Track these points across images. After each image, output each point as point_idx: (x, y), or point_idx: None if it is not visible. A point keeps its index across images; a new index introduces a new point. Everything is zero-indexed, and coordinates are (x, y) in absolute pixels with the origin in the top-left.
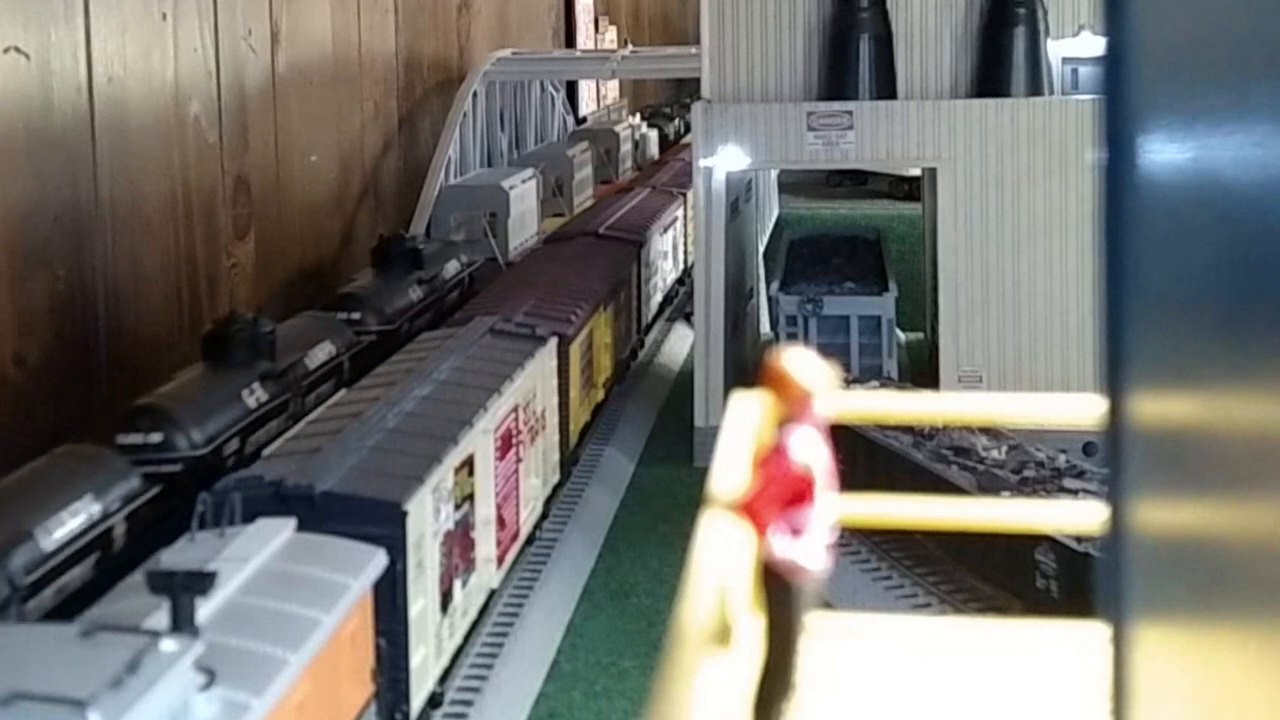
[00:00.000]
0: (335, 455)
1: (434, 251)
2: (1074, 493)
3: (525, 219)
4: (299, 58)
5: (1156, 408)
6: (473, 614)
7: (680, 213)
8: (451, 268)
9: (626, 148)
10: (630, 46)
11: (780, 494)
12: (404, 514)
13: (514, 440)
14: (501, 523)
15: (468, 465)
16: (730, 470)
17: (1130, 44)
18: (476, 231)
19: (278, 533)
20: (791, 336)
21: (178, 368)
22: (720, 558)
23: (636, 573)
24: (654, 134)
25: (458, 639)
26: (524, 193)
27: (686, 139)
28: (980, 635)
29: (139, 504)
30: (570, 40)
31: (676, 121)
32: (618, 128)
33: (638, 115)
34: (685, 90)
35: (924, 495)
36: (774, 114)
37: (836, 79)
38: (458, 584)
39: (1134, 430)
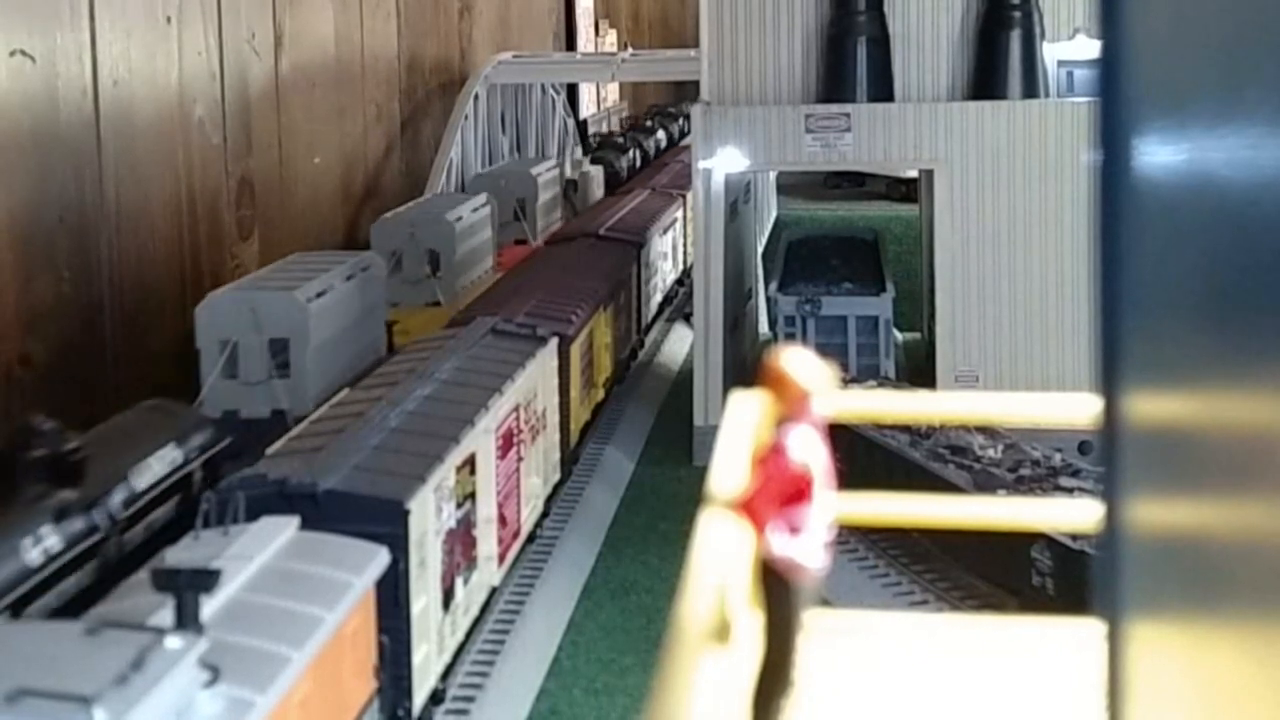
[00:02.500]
0: (338, 454)
1: (116, 445)
2: (1069, 491)
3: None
4: (302, 60)
5: (1151, 407)
6: (474, 611)
7: (680, 214)
8: (151, 471)
9: (548, 196)
10: (630, 49)
11: (779, 492)
12: (406, 512)
13: (515, 439)
14: (503, 521)
15: (469, 464)
16: (729, 469)
17: (1125, 47)
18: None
19: (281, 531)
20: (790, 336)
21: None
22: (719, 555)
23: (636, 570)
24: (597, 171)
25: (459, 636)
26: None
27: (659, 158)
28: (977, 632)
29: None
30: (571, 43)
31: (659, 135)
32: (537, 169)
33: (615, 122)
34: (684, 93)
35: (921, 494)
36: (772, 116)
37: (834, 81)
38: (459, 582)
39: (1128, 429)
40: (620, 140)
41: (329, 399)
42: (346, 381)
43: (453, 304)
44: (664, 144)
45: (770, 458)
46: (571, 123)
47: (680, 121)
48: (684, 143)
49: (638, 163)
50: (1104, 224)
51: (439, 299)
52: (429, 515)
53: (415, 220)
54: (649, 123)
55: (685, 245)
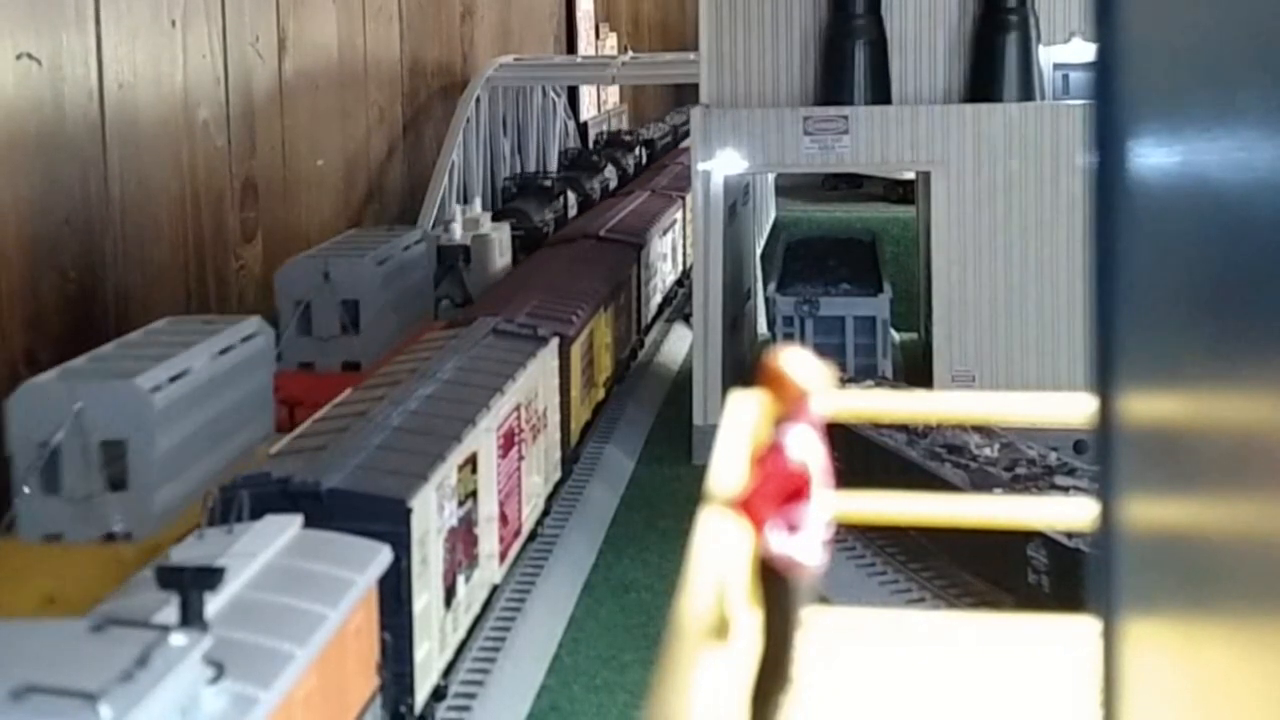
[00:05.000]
0: (341, 453)
1: None
2: (1065, 490)
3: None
4: (305, 63)
5: (1146, 406)
6: (476, 609)
7: (679, 215)
8: None
9: (399, 289)
10: (630, 52)
11: (777, 491)
12: (408, 511)
13: (516, 438)
14: (504, 519)
15: (471, 463)
16: (728, 468)
17: (1120, 50)
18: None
19: (284, 529)
20: (788, 337)
21: None
22: (719, 553)
23: (636, 568)
24: (501, 232)
25: (461, 633)
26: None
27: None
28: (973, 629)
29: None
30: (571, 46)
31: (606, 173)
32: (382, 251)
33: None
34: (683, 96)
35: (918, 492)
36: (771, 119)
37: (832, 84)
38: (461, 579)
39: (1124, 428)
40: (548, 184)
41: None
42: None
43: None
44: (613, 184)
45: (769, 456)
46: (572, 125)
47: (638, 150)
48: (635, 182)
49: (573, 210)
50: (1099, 225)
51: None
52: (431, 513)
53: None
54: (595, 157)
55: (685, 246)
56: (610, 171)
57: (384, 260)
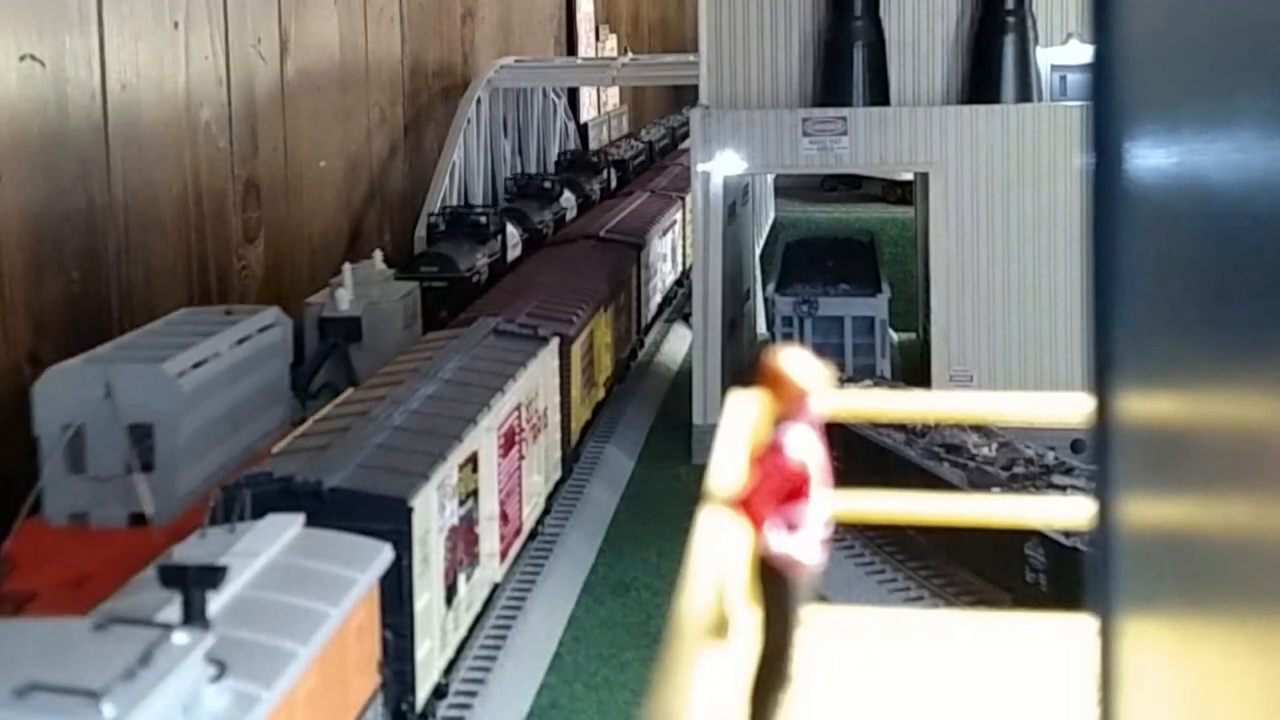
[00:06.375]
0: (343, 452)
1: None
2: (1062, 489)
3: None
4: (307, 65)
5: (1143, 406)
6: (476, 607)
7: (679, 216)
8: None
9: (213, 413)
10: (630, 54)
11: (776, 490)
12: (410, 510)
13: (517, 438)
14: (505, 518)
15: (472, 462)
16: (728, 467)
17: (1117, 52)
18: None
19: (286, 528)
20: (787, 337)
21: None
22: (718, 552)
23: (636, 567)
24: (401, 300)
25: (462, 632)
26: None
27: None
28: (971, 628)
29: None
30: (571, 48)
31: (542, 218)
32: (197, 351)
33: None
34: (683, 97)
35: (916, 491)
36: (770, 120)
37: (831, 86)
38: (462, 578)
39: (1121, 428)
40: (483, 220)
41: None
42: None
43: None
44: (549, 228)
45: (768, 456)
46: (573, 126)
47: (606, 172)
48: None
49: (505, 253)
50: (1096, 226)
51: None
52: (432, 512)
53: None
54: (549, 184)
55: (684, 247)
56: (546, 218)
57: (201, 363)
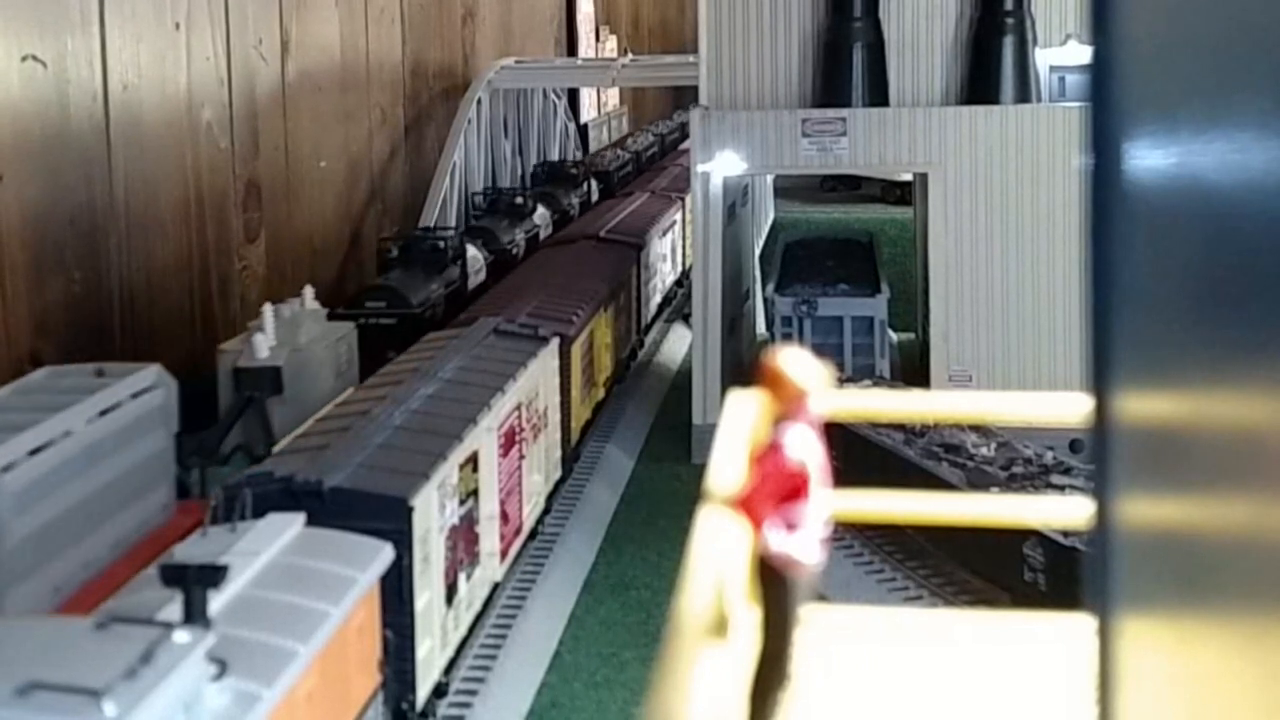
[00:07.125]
0: (343, 452)
1: None
2: (1061, 488)
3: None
4: (308, 66)
5: (1141, 406)
6: (477, 606)
7: (679, 216)
8: None
9: (23, 533)
10: (630, 55)
11: (776, 490)
12: (410, 509)
13: (517, 437)
14: (505, 518)
15: (472, 462)
16: (727, 466)
17: (1116, 53)
18: None
19: (287, 527)
20: (787, 337)
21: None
22: (718, 552)
23: (636, 566)
24: (334, 347)
25: (462, 631)
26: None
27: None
28: (970, 627)
29: None
30: (572, 49)
31: (569, 200)
32: (50, 427)
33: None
34: (683, 98)
35: (915, 491)
36: (770, 120)
37: (831, 86)
38: (462, 577)
39: (1119, 427)
40: (440, 244)
41: None
42: None
43: None
44: (519, 249)
45: (768, 456)
46: (573, 127)
47: (586, 185)
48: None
49: (466, 281)
50: (1095, 226)
51: None
52: (432, 512)
53: None
54: (519, 199)
55: (684, 247)
56: (541, 216)
57: (41, 449)
